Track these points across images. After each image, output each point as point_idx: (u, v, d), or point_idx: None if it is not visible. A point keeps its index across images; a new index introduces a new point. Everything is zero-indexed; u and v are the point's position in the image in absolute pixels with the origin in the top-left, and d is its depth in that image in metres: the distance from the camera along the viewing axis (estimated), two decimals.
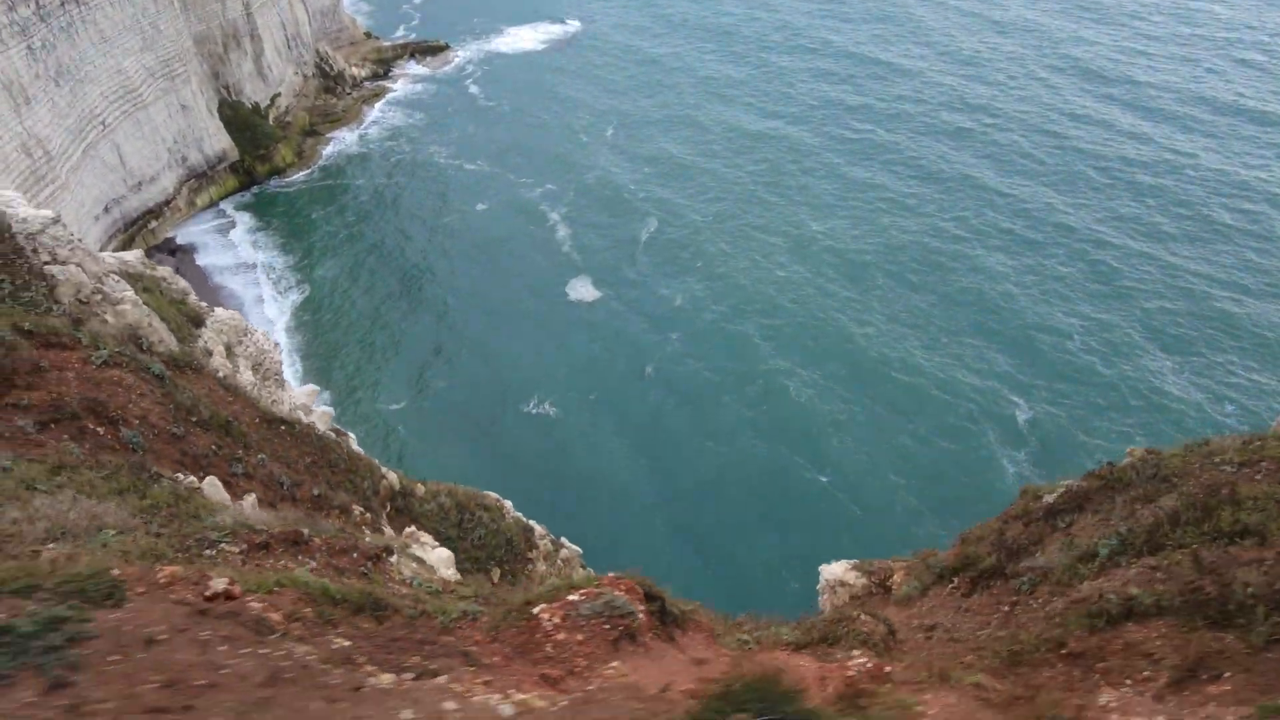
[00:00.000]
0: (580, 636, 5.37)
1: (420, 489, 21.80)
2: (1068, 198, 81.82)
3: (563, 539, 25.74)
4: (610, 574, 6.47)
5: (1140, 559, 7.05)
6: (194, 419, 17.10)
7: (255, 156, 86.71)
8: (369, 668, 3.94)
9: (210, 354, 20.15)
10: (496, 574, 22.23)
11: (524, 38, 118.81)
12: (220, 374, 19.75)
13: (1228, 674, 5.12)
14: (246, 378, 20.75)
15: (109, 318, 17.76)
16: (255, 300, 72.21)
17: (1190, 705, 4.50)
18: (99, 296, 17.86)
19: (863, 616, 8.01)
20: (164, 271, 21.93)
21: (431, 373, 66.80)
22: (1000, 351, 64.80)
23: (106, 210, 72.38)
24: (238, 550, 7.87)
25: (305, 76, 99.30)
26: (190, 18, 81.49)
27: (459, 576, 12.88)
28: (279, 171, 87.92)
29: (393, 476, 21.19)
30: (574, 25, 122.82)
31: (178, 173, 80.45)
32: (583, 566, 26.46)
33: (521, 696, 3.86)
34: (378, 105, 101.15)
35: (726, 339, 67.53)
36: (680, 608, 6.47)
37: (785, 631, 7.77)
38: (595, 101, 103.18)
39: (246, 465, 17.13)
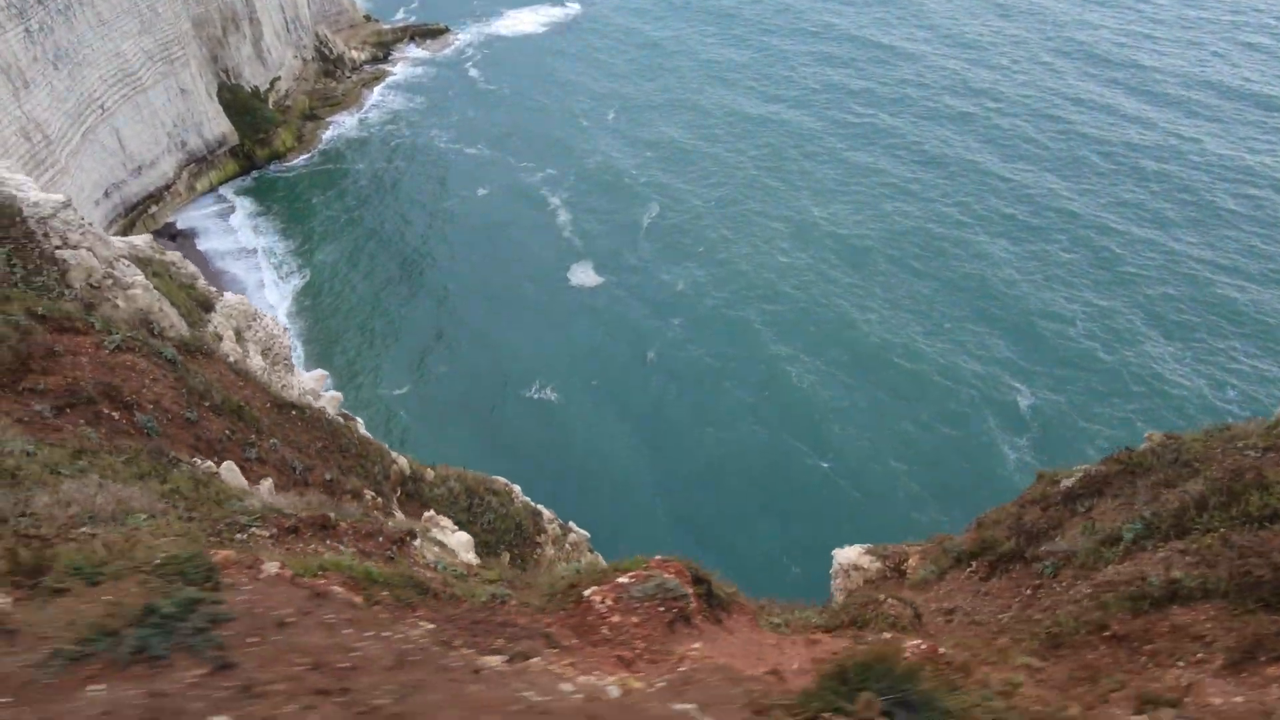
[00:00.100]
0: (635, 619, 5.41)
1: (430, 474, 21.87)
2: (1071, 183, 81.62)
3: (571, 523, 25.86)
4: (657, 556, 6.51)
5: (1167, 543, 7.10)
6: (207, 404, 17.12)
7: (255, 141, 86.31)
8: (466, 650, 3.96)
9: (220, 339, 20.14)
10: (506, 558, 22.32)
11: (524, 20, 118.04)
12: (231, 359, 19.77)
13: None
14: (256, 363, 20.76)
15: (120, 302, 17.74)
16: (256, 285, 72.09)
17: (1253, 686, 4.53)
18: (110, 281, 17.83)
19: (889, 600, 8.06)
20: (173, 256, 21.90)
21: (433, 358, 66.80)
22: (1002, 338, 64.84)
23: (106, 195, 72.11)
24: (268, 534, 7.91)
25: (304, 60, 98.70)
26: (188, 0, 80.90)
27: (478, 560, 12.95)
28: (279, 156, 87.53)
29: (403, 461, 21.25)
30: (574, 8, 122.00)
31: (177, 157, 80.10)
32: (590, 551, 26.59)
33: (613, 678, 3.88)
34: (377, 89, 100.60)
35: (728, 325, 67.51)
36: (725, 590, 6.53)
37: (812, 615, 7.83)
38: (596, 85, 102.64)
39: (260, 450, 17.18)
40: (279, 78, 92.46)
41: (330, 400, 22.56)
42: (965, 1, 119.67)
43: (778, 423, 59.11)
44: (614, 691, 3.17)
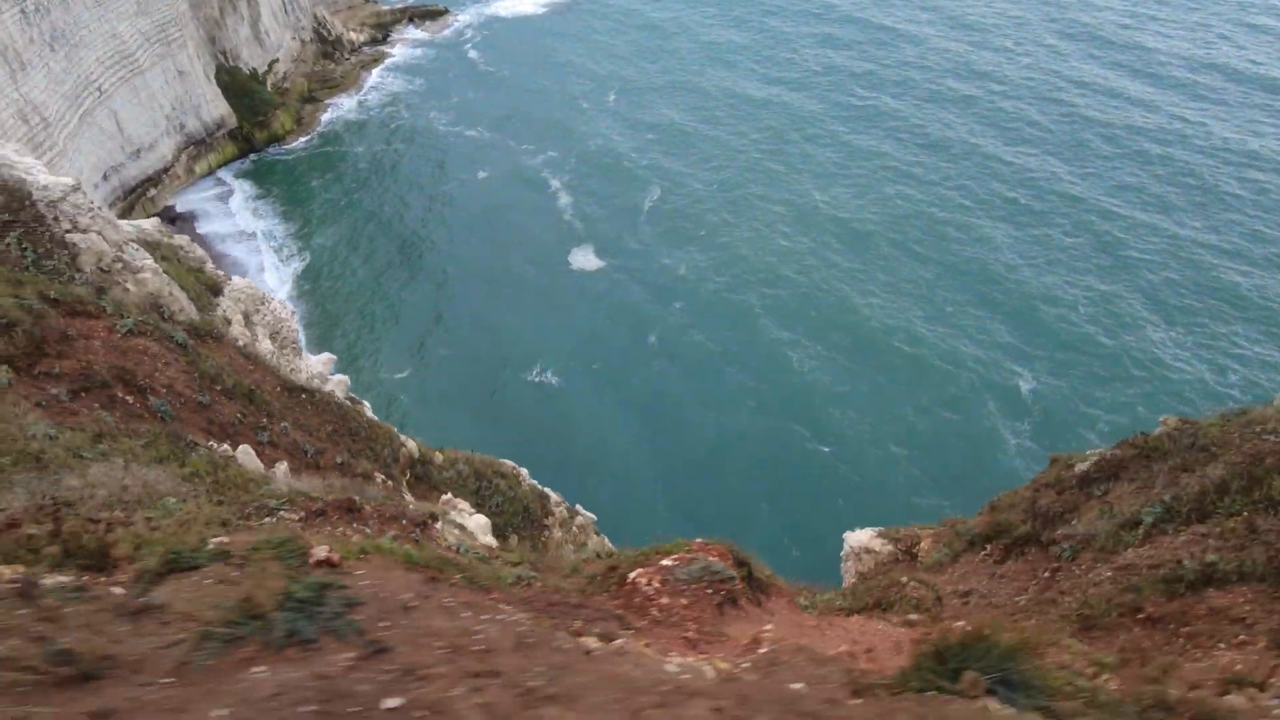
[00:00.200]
0: (684, 601, 5.48)
1: (439, 457, 21.95)
2: (1073, 167, 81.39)
3: (578, 506, 25.98)
4: (698, 539, 6.58)
5: (1189, 527, 7.17)
6: (218, 388, 17.17)
7: (254, 123, 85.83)
8: (562, 633, 4.02)
9: (229, 322, 20.16)
10: (514, 540, 22.46)
11: (523, 1, 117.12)
12: (240, 343, 19.79)
13: None
14: (265, 346, 20.78)
15: (130, 286, 17.74)
16: (257, 269, 71.91)
17: None
18: (120, 265, 17.82)
19: (910, 582, 8.14)
20: (181, 240, 21.87)
21: (433, 341, 66.78)
22: (1003, 322, 64.88)
23: (105, 178, 71.76)
24: (296, 518, 7.97)
25: (303, 42, 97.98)
26: None
27: (496, 542, 13.05)
28: (278, 139, 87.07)
29: (411, 444, 21.32)
30: None
31: (176, 140, 79.67)
32: (597, 533, 26.74)
33: (695, 659, 3.94)
34: (376, 71, 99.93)
35: (729, 309, 67.48)
36: (763, 573, 6.60)
37: (835, 598, 7.91)
38: (596, 67, 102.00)
39: (272, 434, 17.24)
40: (277, 59, 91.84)
41: (338, 384, 22.61)
42: None
43: (778, 407, 59.21)
44: (709, 672, 3.21)
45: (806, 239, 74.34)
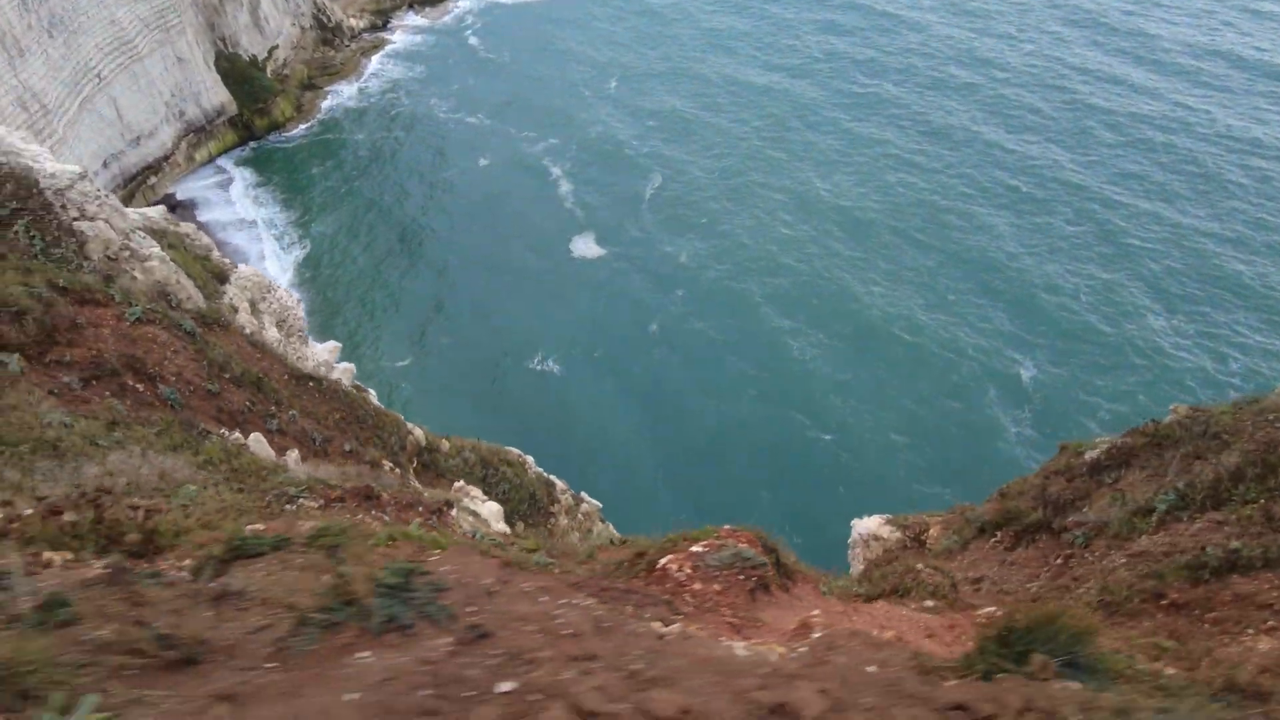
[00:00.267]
0: (717, 587, 5.53)
1: (445, 445, 22.00)
2: (1076, 155, 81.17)
3: (583, 494, 26.06)
4: (726, 526, 6.63)
5: (1204, 514, 7.22)
6: (227, 376, 17.21)
7: (254, 110, 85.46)
8: (627, 617, 4.06)
9: (236, 311, 20.17)
10: (520, 528, 22.55)
11: None
12: (247, 330, 19.81)
13: None
14: (272, 334, 20.80)
15: (138, 274, 17.74)
16: (258, 257, 71.78)
17: None
18: (127, 253, 17.82)
19: (926, 569, 8.21)
20: (187, 228, 21.85)
21: (434, 329, 66.79)
22: (1004, 311, 64.88)
23: (105, 165, 71.50)
24: (316, 505, 8.02)
25: (303, 28, 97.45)
26: None
27: (508, 529, 13.11)
28: (278, 126, 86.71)
29: (419, 432, 21.37)
30: None
31: (176, 127, 79.35)
32: (602, 521, 26.85)
33: (755, 644, 3.98)
34: (376, 57, 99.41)
35: (731, 297, 67.46)
36: (789, 559, 6.65)
37: (850, 584, 7.97)
38: (597, 54, 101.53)
39: (280, 422, 17.28)
40: (277, 46, 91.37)
41: (344, 372, 22.64)
42: None
43: (779, 395, 59.30)
44: (772, 656, 3.26)
45: (808, 227, 74.23)
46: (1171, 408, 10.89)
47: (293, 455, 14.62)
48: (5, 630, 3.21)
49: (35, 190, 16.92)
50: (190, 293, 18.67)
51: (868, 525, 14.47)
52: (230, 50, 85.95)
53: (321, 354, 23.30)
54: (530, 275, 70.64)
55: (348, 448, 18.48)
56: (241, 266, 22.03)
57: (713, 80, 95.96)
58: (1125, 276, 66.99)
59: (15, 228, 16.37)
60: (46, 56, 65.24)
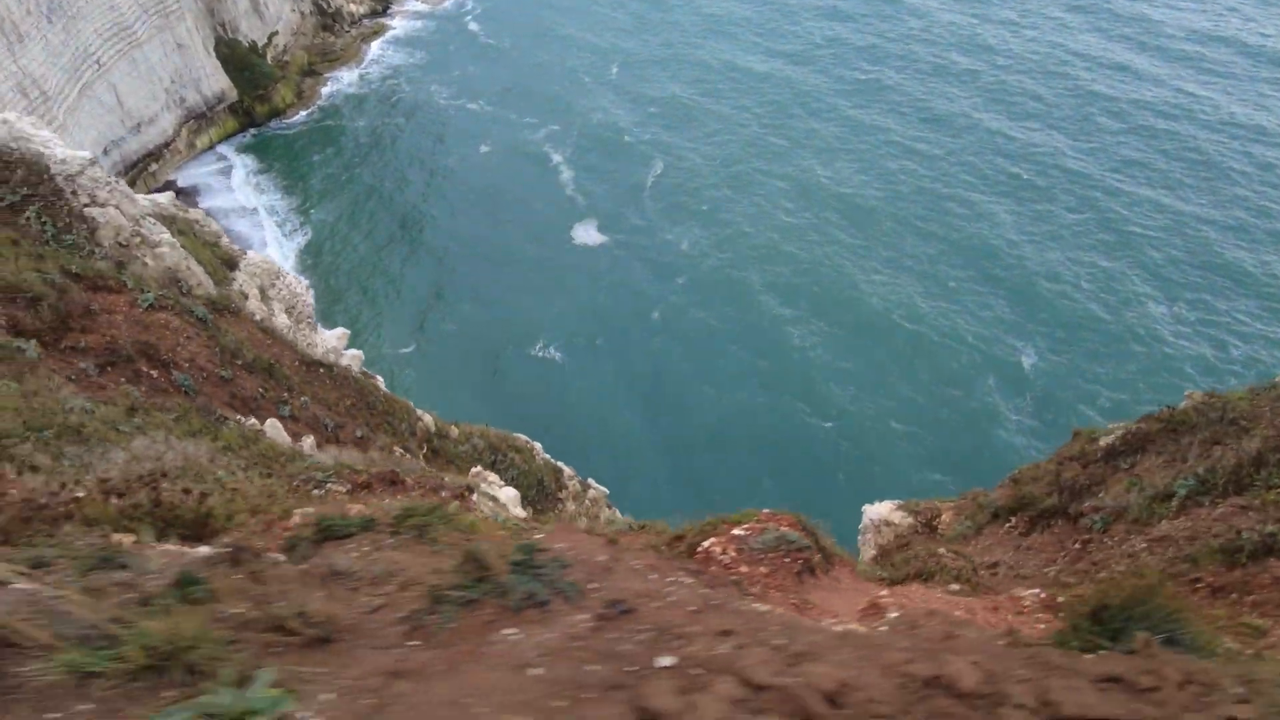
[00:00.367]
0: (764, 569, 5.60)
1: (454, 431, 22.07)
2: (1077, 142, 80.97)
3: (590, 480, 26.17)
4: (765, 510, 6.69)
5: (1226, 499, 7.29)
6: (239, 362, 17.25)
7: (254, 97, 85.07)
8: (726, 595, 4.12)
9: (246, 297, 20.19)
10: (529, 513, 22.66)
11: None
12: (257, 317, 19.84)
13: None
14: (281, 321, 20.82)
15: (149, 260, 17.75)
16: (260, 244, 71.54)
17: None
18: (138, 239, 17.81)
19: (946, 553, 8.28)
20: (196, 214, 21.83)
21: (436, 317, 66.78)
22: (1005, 299, 64.89)
23: (106, 152, 71.18)
24: (344, 490, 8.08)
25: (302, 14, 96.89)
26: None
27: (526, 514, 13.19)
28: (279, 112, 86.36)
29: (428, 418, 21.44)
30: None
31: (176, 114, 79.02)
32: (609, 506, 26.97)
33: (833, 621, 4.05)
34: (376, 44, 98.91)
35: (731, 285, 67.43)
36: (827, 542, 6.73)
37: (872, 568, 8.04)
38: (598, 40, 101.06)
39: (293, 408, 17.34)
40: (277, 32, 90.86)
41: (353, 358, 22.68)
42: None
43: (780, 382, 59.38)
44: (861, 633, 3.33)
45: (808, 214, 74.11)
46: (1186, 394, 10.96)
47: (308, 441, 14.69)
48: (147, 608, 3.26)
49: (46, 176, 16.90)
50: (201, 279, 18.68)
51: (879, 510, 14.56)
52: (230, 36, 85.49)
53: (330, 340, 23.33)
54: (531, 262, 70.56)
55: (359, 434, 18.54)
56: (250, 253, 22.02)
57: (714, 67, 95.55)
58: (1126, 264, 66.97)
59: (27, 214, 16.37)
60: (46, 42, 64.89)
